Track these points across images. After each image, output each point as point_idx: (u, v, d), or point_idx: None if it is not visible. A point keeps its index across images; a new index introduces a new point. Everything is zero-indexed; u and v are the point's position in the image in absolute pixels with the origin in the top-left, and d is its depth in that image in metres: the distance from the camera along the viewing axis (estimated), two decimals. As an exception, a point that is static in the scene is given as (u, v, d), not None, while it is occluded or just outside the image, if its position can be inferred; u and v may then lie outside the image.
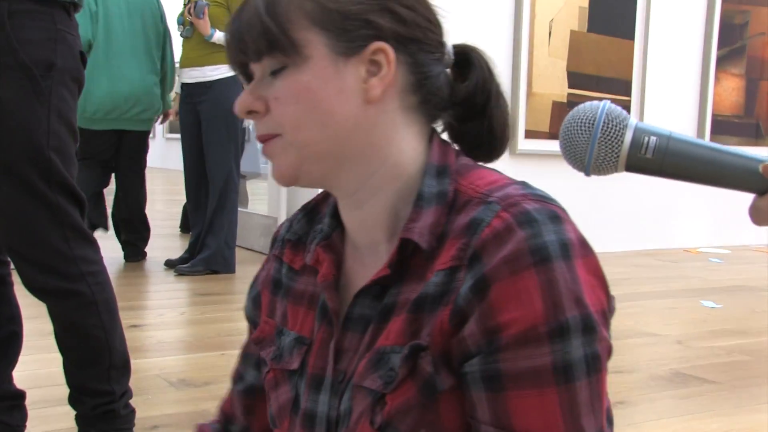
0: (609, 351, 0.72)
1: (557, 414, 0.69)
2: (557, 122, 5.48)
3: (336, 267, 0.86)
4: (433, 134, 0.84)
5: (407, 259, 0.78)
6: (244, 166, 5.73)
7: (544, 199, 0.74)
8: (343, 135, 0.78)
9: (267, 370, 0.91)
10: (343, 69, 0.77)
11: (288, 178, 0.81)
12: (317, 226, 0.90)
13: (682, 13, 5.99)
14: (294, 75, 0.78)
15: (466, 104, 0.85)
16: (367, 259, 0.84)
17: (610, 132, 0.80)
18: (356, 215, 0.84)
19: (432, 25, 0.82)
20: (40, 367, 2.52)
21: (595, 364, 0.70)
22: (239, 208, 4.81)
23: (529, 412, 0.69)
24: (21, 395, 1.86)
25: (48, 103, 1.61)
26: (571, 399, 0.69)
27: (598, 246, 5.63)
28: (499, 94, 0.86)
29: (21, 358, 1.89)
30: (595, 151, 0.80)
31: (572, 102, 5.53)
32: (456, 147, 0.86)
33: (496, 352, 0.69)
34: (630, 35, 5.77)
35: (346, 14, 0.77)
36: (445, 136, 0.88)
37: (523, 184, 0.77)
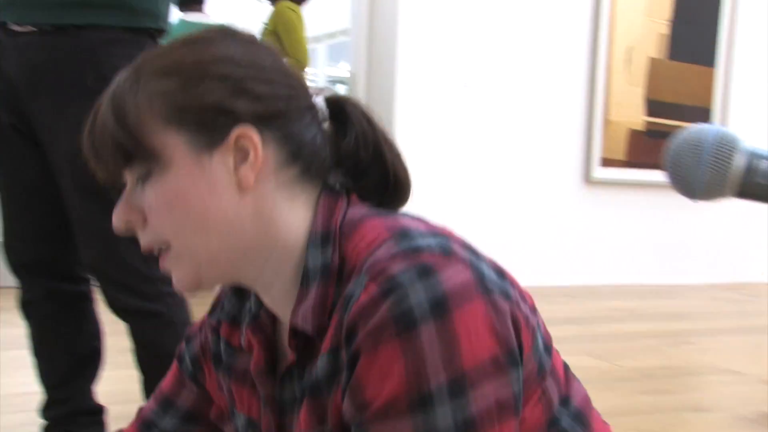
0: (499, 405, 0.68)
1: None
2: (634, 150, 5.37)
3: (266, 348, 0.84)
4: (320, 196, 0.80)
5: (310, 340, 0.76)
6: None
7: (416, 252, 0.70)
8: (227, 231, 0.76)
9: None
10: (208, 164, 0.75)
11: (190, 287, 0.79)
12: (246, 304, 0.88)
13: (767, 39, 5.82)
14: (160, 181, 0.75)
15: (351, 160, 0.81)
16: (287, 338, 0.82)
17: (720, 155, 0.77)
18: (267, 298, 0.82)
19: (295, 90, 0.79)
20: (118, 382, 2.58)
21: (468, 429, 0.67)
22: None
23: None
24: (101, 410, 1.90)
25: None
26: None
27: (674, 277, 5.51)
28: (385, 142, 0.82)
29: (101, 374, 1.93)
30: (704, 175, 0.77)
31: (651, 131, 5.42)
32: (347, 198, 0.81)
33: (363, 424, 0.69)
34: (711, 62, 5.63)
35: (199, 107, 0.74)
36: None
37: (400, 235, 0.72)
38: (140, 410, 1.03)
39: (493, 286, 0.70)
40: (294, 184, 0.78)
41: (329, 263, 0.75)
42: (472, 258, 0.72)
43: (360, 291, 0.69)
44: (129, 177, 0.79)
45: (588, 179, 5.22)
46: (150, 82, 0.76)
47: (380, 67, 5.02)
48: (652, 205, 5.02)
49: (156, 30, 1.69)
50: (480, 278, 0.70)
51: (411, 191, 0.83)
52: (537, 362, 0.75)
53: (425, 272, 0.68)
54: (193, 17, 4.34)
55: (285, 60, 0.81)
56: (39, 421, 1.89)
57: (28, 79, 1.59)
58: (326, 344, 0.73)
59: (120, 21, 1.59)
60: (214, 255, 0.77)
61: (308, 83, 0.83)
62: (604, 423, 0.86)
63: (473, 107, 5.07)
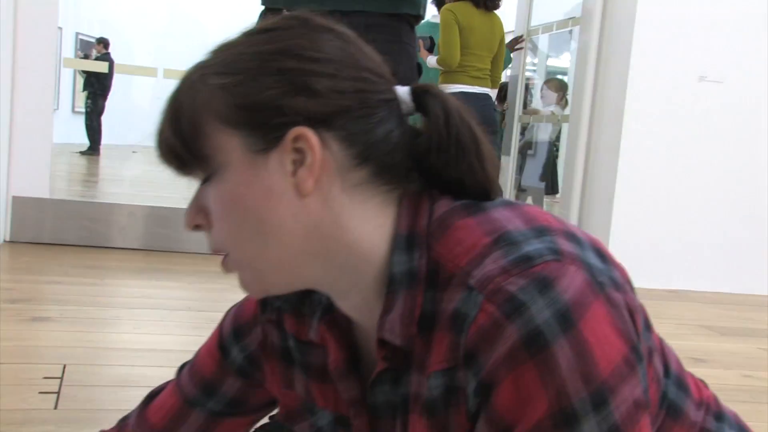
0: (637, 405, 0.65)
1: None
2: None
3: (343, 345, 0.80)
4: (401, 196, 0.74)
5: (398, 349, 0.72)
6: (524, 180, 5.60)
7: (528, 264, 0.66)
8: (288, 239, 0.71)
9: None
10: (263, 167, 0.70)
11: (257, 294, 0.77)
12: (314, 296, 0.83)
13: None
14: (219, 185, 0.72)
15: (431, 157, 0.74)
16: (374, 335, 0.76)
17: None
18: (345, 304, 0.78)
19: (367, 83, 0.72)
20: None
21: None
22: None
23: None
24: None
25: None
26: None
27: None
28: (471, 138, 0.74)
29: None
30: None
31: None
32: (432, 195, 0.75)
33: None
34: None
35: (254, 106, 0.70)
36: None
37: (505, 242, 0.68)
38: (178, 385, 1.02)
39: (603, 279, 0.67)
40: (366, 185, 0.73)
41: (415, 269, 0.71)
42: (577, 250, 0.69)
43: (476, 312, 0.66)
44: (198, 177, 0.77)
45: None
46: (209, 78, 0.72)
47: (611, 58, 4.72)
48: None
49: (414, 16, 1.73)
50: (592, 275, 0.67)
51: (496, 190, 0.77)
52: (646, 342, 0.73)
53: (544, 286, 0.65)
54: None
55: (366, 49, 0.75)
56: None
57: None
58: (436, 362, 0.70)
59: (383, 7, 1.67)
60: (274, 263, 0.72)
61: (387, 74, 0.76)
62: (696, 381, 0.84)
63: (710, 102, 4.65)
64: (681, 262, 4.65)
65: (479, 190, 0.75)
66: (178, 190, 9.10)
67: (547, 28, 6.07)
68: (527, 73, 6.73)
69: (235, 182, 0.70)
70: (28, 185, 4.37)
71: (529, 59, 6.59)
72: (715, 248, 4.75)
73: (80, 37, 12.58)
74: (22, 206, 4.36)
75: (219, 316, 3.27)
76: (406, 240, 0.72)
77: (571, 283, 0.65)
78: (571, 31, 6.00)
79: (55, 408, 2.10)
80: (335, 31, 0.75)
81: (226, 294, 3.77)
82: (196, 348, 2.87)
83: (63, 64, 6.22)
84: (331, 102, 0.70)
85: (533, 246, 0.68)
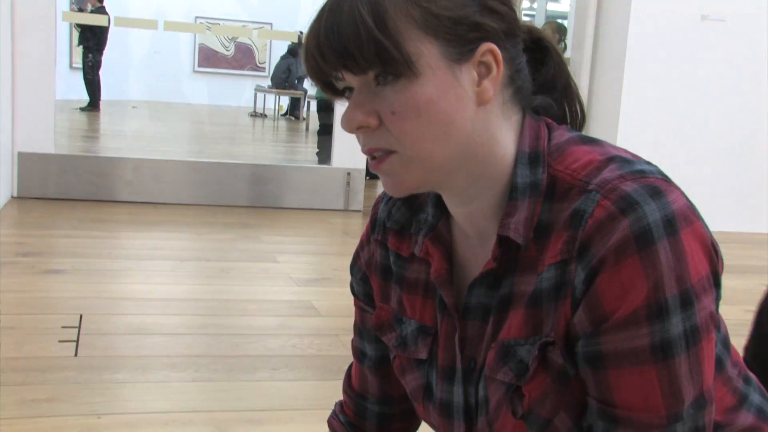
0: (711, 317, 0.74)
1: (656, 388, 0.73)
2: None
3: (445, 257, 0.87)
4: (524, 119, 0.83)
5: (513, 250, 0.80)
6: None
7: (642, 175, 0.75)
8: (462, 142, 0.78)
9: (393, 356, 0.95)
10: (459, 76, 0.76)
11: (406, 191, 0.81)
12: (420, 216, 0.91)
13: None
14: (411, 87, 0.75)
15: (547, 86, 0.86)
16: (478, 248, 0.85)
17: None
18: (464, 210, 0.84)
19: (515, 14, 0.80)
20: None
21: (694, 336, 0.73)
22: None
23: (629, 388, 0.74)
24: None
25: None
26: (670, 373, 0.73)
27: None
28: (568, 72, 0.88)
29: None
30: None
31: None
32: (547, 121, 0.85)
33: (599, 335, 0.74)
34: None
35: (455, 19, 0.75)
36: None
37: (619, 160, 0.77)
38: (341, 404, 1.09)
39: (699, 213, 0.75)
40: (509, 104, 0.81)
41: (539, 181, 0.79)
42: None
43: (593, 207, 0.73)
44: (359, 80, 0.77)
45: None
46: None
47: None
48: None
49: None
50: (692, 205, 0.75)
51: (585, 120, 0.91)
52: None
53: (656, 193, 0.73)
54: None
55: None
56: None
57: None
58: (552, 257, 0.76)
59: None
60: (445, 162, 0.78)
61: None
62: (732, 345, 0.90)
63: (712, 41, 4.63)
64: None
65: (579, 119, 0.89)
66: (179, 144, 9.07)
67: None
68: (525, 18, 6.67)
69: (432, 85, 0.75)
70: (33, 141, 4.39)
71: (527, 3, 6.52)
72: (717, 187, 4.78)
73: (75, -10, 12.44)
74: (27, 162, 4.38)
75: (228, 265, 3.37)
76: (528, 157, 0.80)
77: (678, 199, 0.74)
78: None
79: (75, 355, 2.16)
80: None
81: (235, 243, 3.83)
82: (207, 296, 2.96)
83: (62, 18, 6.14)
84: (507, 24, 0.79)
85: (644, 166, 0.77)
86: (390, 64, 0.74)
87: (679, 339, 0.72)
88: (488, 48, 0.77)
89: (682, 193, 0.76)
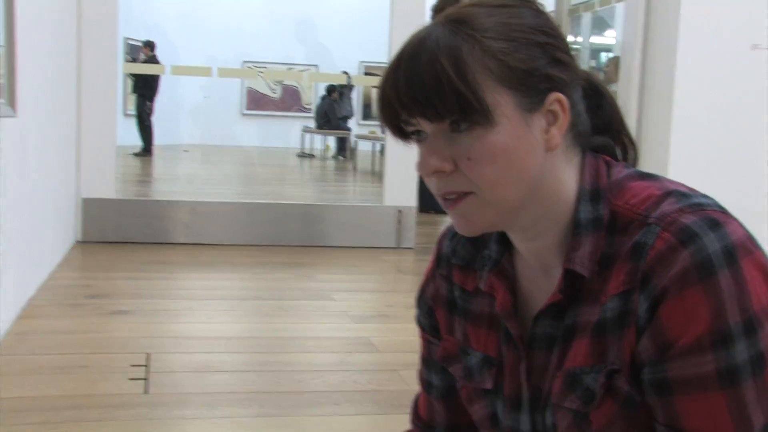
0: None
1: (725, 414, 0.75)
2: None
3: (510, 291, 0.91)
4: (584, 158, 0.87)
5: (577, 283, 0.84)
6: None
7: (700, 207, 0.78)
8: (532, 185, 0.82)
9: (460, 386, 0.99)
10: (531, 124, 0.81)
11: (478, 231, 0.85)
12: (484, 252, 0.95)
13: None
14: (487, 135, 0.79)
15: (604, 127, 0.91)
16: (542, 281, 0.89)
17: None
18: (530, 246, 0.88)
19: (576, 64, 0.85)
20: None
21: (760, 362, 0.74)
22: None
23: (697, 414, 0.76)
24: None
25: None
26: (737, 399, 0.74)
27: None
28: (621, 114, 0.93)
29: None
30: None
31: None
32: (607, 161, 0.89)
33: (665, 362, 0.76)
34: None
35: (528, 71, 0.80)
36: None
37: (677, 194, 0.81)
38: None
39: (756, 242, 0.78)
40: (571, 147, 0.86)
41: (601, 217, 0.83)
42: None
43: (653, 239, 0.77)
44: (433, 127, 0.81)
45: None
46: (485, 41, 0.79)
47: (659, 30, 4.71)
48: None
49: None
50: (750, 235, 0.78)
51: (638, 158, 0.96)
52: None
53: (715, 224, 0.76)
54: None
55: None
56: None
57: None
58: (615, 288, 0.80)
59: None
60: (515, 204, 0.83)
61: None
62: None
63: (763, 71, 4.61)
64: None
65: (634, 156, 0.95)
66: (231, 186, 9.23)
67: (588, 6, 6.05)
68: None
69: (508, 134, 0.79)
70: (96, 187, 4.55)
71: (571, 38, 6.57)
72: (772, 218, 4.72)
73: (128, 41, 12.87)
74: (91, 208, 4.54)
75: (285, 304, 3.46)
76: (590, 194, 0.85)
77: (736, 230, 0.77)
78: (614, 7, 5.98)
79: (145, 392, 2.24)
80: (544, 12, 0.86)
81: (290, 282, 3.91)
82: (268, 334, 3.04)
83: (123, 71, 6.43)
84: (572, 74, 0.84)
85: (701, 199, 0.81)
86: (469, 114, 0.78)
87: (745, 365, 0.74)
88: (556, 98, 0.81)
89: (740, 224, 0.79)
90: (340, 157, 14.02)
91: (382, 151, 6.73)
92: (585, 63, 12.11)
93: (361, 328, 3.05)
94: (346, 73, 11.66)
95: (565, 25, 6.16)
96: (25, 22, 2.77)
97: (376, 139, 10.08)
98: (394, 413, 2.11)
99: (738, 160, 4.71)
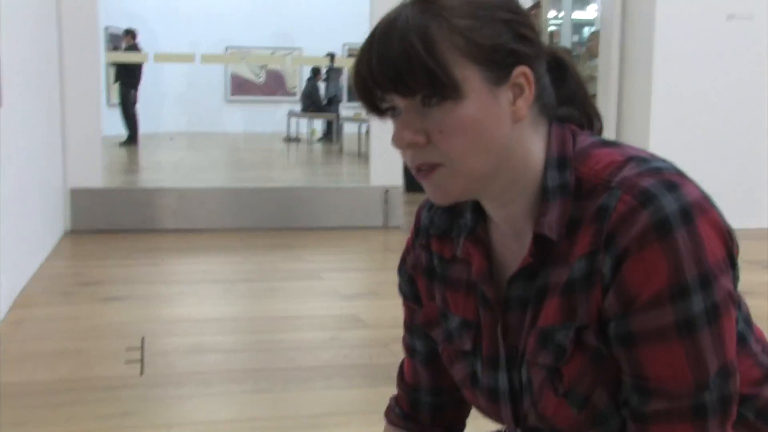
0: (730, 295, 0.82)
1: (683, 362, 0.82)
2: None
3: (485, 256, 0.96)
4: (551, 128, 0.92)
5: (547, 246, 0.89)
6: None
7: (659, 171, 0.84)
8: (500, 155, 0.87)
9: (441, 349, 1.05)
10: (498, 96, 0.85)
11: (450, 200, 0.91)
12: (460, 221, 1.00)
13: None
14: (457, 108, 0.84)
15: (569, 99, 0.95)
16: (514, 246, 0.94)
17: None
18: (502, 213, 0.94)
19: (541, 39, 0.90)
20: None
21: (715, 312, 0.81)
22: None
23: (659, 363, 0.82)
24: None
25: None
26: (695, 347, 0.81)
27: None
28: (585, 86, 0.97)
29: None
30: None
31: None
32: (571, 128, 0.94)
33: (628, 316, 0.82)
34: None
35: (494, 47, 0.84)
36: None
37: (637, 159, 0.86)
38: (396, 398, 1.17)
39: (712, 201, 0.84)
40: (537, 118, 0.90)
41: (567, 183, 0.88)
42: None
43: (615, 202, 0.82)
44: (405, 102, 0.85)
45: None
46: (452, 19, 0.84)
47: (637, 3, 4.76)
48: None
49: None
50: (706, 195, 0.84)
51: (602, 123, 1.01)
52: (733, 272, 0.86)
53: (671, 186, 0.82)
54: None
55: None
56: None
57: None
58: (581, 249, 0.86)
59: None
60: (485, 173, 0.88)
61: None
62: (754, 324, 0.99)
63: (739, 41, 4.67)
64: (720, 201, 4.67)
65: (598, 125, 0.99)
66: (218, 172, 9.21)
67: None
68: (552, 27, 6.74)
69: (476, 107, 0.84)
70: (83, 177, 4.58)
71: (553, 12, 6.60)
72: (753, 184, 4.80)
73: (109, 30, 12.81)
74: (79, 197, 4.57)
75: (276, 285, 3.51)
76: (557, 161, 0.90)
77: (692, 191, 0.82)
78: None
79: (141, 374, 2.29)
80: None
81: (280, 264, 3.96)
82: (259, 314, 3.09)
83: (106, 60, 6.46)
84: (536, 48, 0.88)
85: (660, 163, 0.86)
86: (439, 88, 0.83)
87: (701, 316, 0.80)
88: (522, 71, 0.86)
89: (696, 186, 0.84)
90: (325, 140, 14.02)
91: (368, 133, 6.77)
92: (567, 38, 12.13)
93: (351, 306, 3.11)
94: (331, 54, 11.63)
95: (546, 0, 6.20)
96: (4, 15, 2.79)
97: (362, 120, 10.10)
98: (384, 386, 2.17)
99: (716, 128, 4.78)
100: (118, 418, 1.96)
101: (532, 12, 5.93)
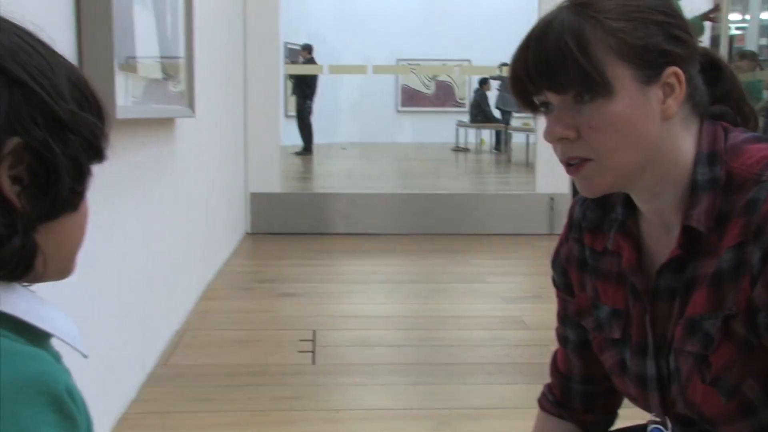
0: None
1: None
2: None
3: (635, 248, 0.99)
4: (701, 124, 0.94)
5: (696, 238, 0.91)
6: None
7: None
8: (649, 152, 0.90)
9: (592, 337, 1.08)
10: (648, 95, 0.88)
11: (599, 193, 0.95)
12: (612, 215, 1.03)
13: None
14: (608, 105, 0.88)
15: (724, 98, 0.97)
16: (663, 238, 0.96)
17: None
18: (651, 205, 0.96)
19: (694, 41, 0.92)
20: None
21: None
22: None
23: None
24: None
25: None
26: None
27: None
28: (741, 86, 0.99)
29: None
30: None
31: None
32: (723, 125, 0.95)
33: None
34: None
35: (645, 47, 0.88)
36: None
37: None
38: (549, 386, 1.21)
39: None
40: (689, 116, 0.93)
41: (717, 177, 0.91)
42: None
43: (765, 195, 0.85)
44: (559, 98, 0.90)
45: None
46: (605, 21, 0.88)
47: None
48: None
49: None
50: None
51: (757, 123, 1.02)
52: None
53: None
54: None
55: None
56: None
57: None
58: (730, 241, 0.88)
59: None
60: (634, 168, 0.91)
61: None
62: None
63: None
64: None
65: (753, 123, 1.01)
66: (388, 180, 9.46)
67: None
68: (736, 31, 6.40)
69: (627, 105, 0.88)
70: (263, 183, 4.91)
71: (738, 16, 6.28)
72: None
73: (288, 45, 13.51)
74: (259, 201, 4.90)
75: (440, 287, 3.61)
76: (707, 156, 0.92)
77: None
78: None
79: (313, 363, 2.45)
80: None
81: (445, 267, 4.06)
82: (424, 313, 3.21)
83: (284, 72, 6.92)
84: (687, 49, 0.91)
85: None
86: (591, 86, 0.87)
87: None
88: (673, 71, 0.89)
89: None
90: (495, 151, 14.00)
91: (535, 143, 6.74)
92: (753, 42, 11.42)
93: (513, 308, 3.15)
94: (504, 64, 11.62)
95: (727, 2, 5.93)
96: (200, 37, 3.07)
97: (530, 131, 10.03)
98: (543, 383, 2.20)
99: None
100: (291, 401, 2.12)
101: (711, 15, 5.70)
